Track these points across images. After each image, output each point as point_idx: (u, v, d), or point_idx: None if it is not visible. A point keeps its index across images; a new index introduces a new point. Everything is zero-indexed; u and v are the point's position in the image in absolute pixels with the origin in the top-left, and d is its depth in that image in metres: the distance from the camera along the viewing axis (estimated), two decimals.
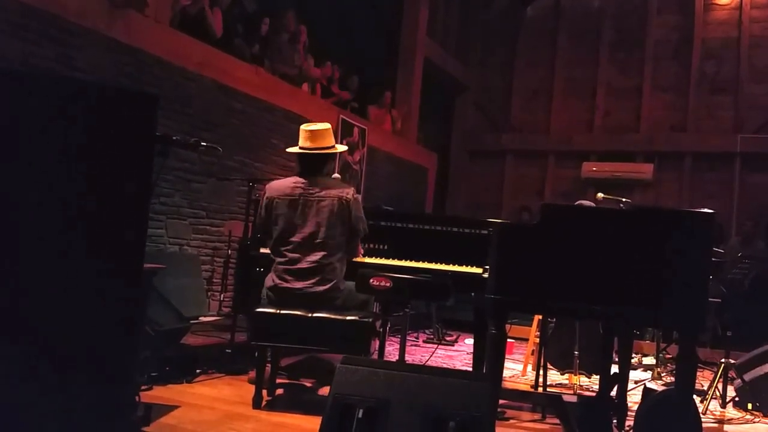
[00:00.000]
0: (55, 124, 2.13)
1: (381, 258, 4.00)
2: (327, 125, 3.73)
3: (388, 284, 3.21)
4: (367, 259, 3.92)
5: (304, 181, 3.62)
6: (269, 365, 3.79)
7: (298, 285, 3.50)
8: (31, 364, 2.07)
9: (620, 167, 9.46)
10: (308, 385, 4.18)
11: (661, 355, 5.69)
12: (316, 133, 3.65)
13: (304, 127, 3.72)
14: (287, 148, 3.82)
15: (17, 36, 4.01)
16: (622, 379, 3.55)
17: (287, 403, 3.69)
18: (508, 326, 2.68)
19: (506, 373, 4.88)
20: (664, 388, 4.30)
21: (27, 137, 2.11)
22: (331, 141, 3.73)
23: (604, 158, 9.65)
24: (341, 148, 3.84)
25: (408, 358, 4.33)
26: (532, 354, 5.17)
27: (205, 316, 5.23)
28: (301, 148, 3.68)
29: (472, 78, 10.72)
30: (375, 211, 4.32)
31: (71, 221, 2.15)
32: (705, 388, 4.61)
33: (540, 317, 4.89)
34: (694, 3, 9.43)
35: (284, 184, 3.66)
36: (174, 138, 2.75)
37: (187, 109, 5.26)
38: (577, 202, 4.31)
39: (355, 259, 3.82)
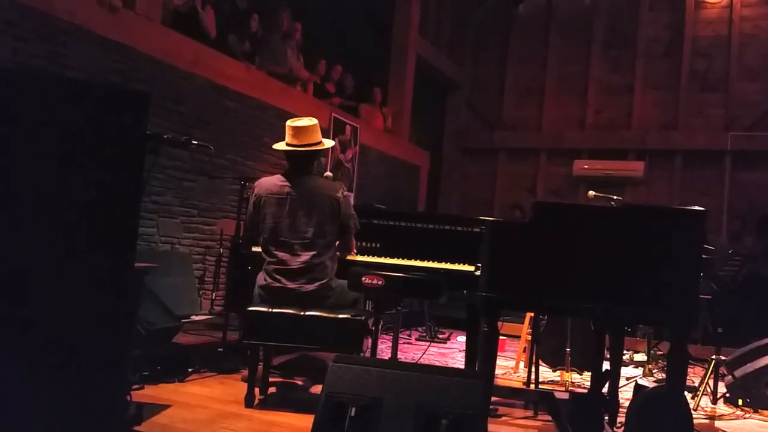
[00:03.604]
0: (44, 123, 2.12)
1: (373, 256, 4.00)
2: (313, 120, 3.62)
3: (380, 282, 3.21)
4: (360, 257, 3.92)
5: (292, 179, 3.57)
6: (261, 364, 3.79)
7: (290, 285, 3.49)
8: (21, 364, 2.06)
9: (612, 165, 9.48)
10: (301, 383, 4.17)
11: (652, 351, 5.71)
12: (301, 129, 3.56)
13: (289, 123, 3.62)
14: (274, 144, 3.76)
15: (7, 33, 3.98)
16: (613, 375, 3.57)
17: (280, 402, 3.69)
18: (500, 323, 2.68)
19: (498, 370, 4.89)
20: (655, 384, 4.32)
21: (15, 136, 2.10)
22: (318, 137, 3.62)
23: (595, 156, 9.67)
24: (329, 143, 3.74)
25: (400, 356, 4.32)
26: (524, 351, 5.18)
27: (196, 314, 5.22)
28: (287, 144, 3.61)
29: (464, 76, 10.73)
30: (367, 210, 4.32)
31: (60, 220, 2.14)
32: (696, 384, 4.64)
33: (532, 314, 4.90)
34: (685, 1, 9.46)
35: (272, 182, 3.60)
36: (165, 136, 2.74)
37: (178, 107, 5.24)
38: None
39: (348, 257, 3.81)
